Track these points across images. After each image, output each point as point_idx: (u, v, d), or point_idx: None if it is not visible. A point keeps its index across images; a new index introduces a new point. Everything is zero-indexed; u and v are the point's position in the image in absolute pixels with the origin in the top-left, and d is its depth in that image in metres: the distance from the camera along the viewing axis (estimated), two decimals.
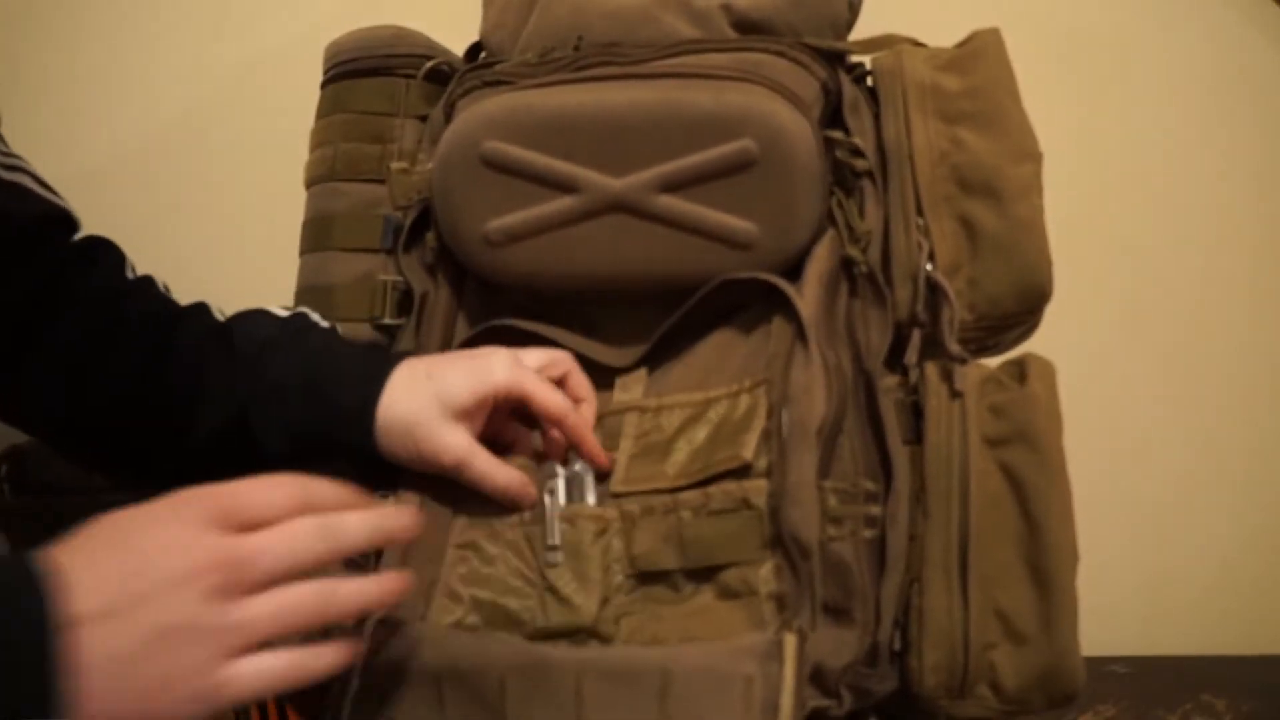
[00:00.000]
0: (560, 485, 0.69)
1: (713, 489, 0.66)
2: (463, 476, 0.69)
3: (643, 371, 0.75)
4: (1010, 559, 0.65)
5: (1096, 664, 1.02)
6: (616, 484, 0.69)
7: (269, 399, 0.71)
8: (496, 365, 0.69)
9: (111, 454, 0.76)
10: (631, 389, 0.75)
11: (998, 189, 0.70)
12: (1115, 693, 0.99)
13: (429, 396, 0.68)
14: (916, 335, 0.71)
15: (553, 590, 0.66)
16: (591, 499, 0.69)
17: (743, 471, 0.65)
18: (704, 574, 0.65)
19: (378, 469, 0.70)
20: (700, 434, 0.69)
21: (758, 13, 0.76)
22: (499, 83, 0.77)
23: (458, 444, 0.68)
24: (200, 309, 0.76)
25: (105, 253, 0.76)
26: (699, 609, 0.64)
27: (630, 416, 0.72)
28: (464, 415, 0.68)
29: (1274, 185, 1.10)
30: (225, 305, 0.78)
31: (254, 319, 0.75)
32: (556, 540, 0.67)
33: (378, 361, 0.71)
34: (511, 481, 0.69)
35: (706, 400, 0.70)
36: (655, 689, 0.57)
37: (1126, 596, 1.10)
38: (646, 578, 0.66)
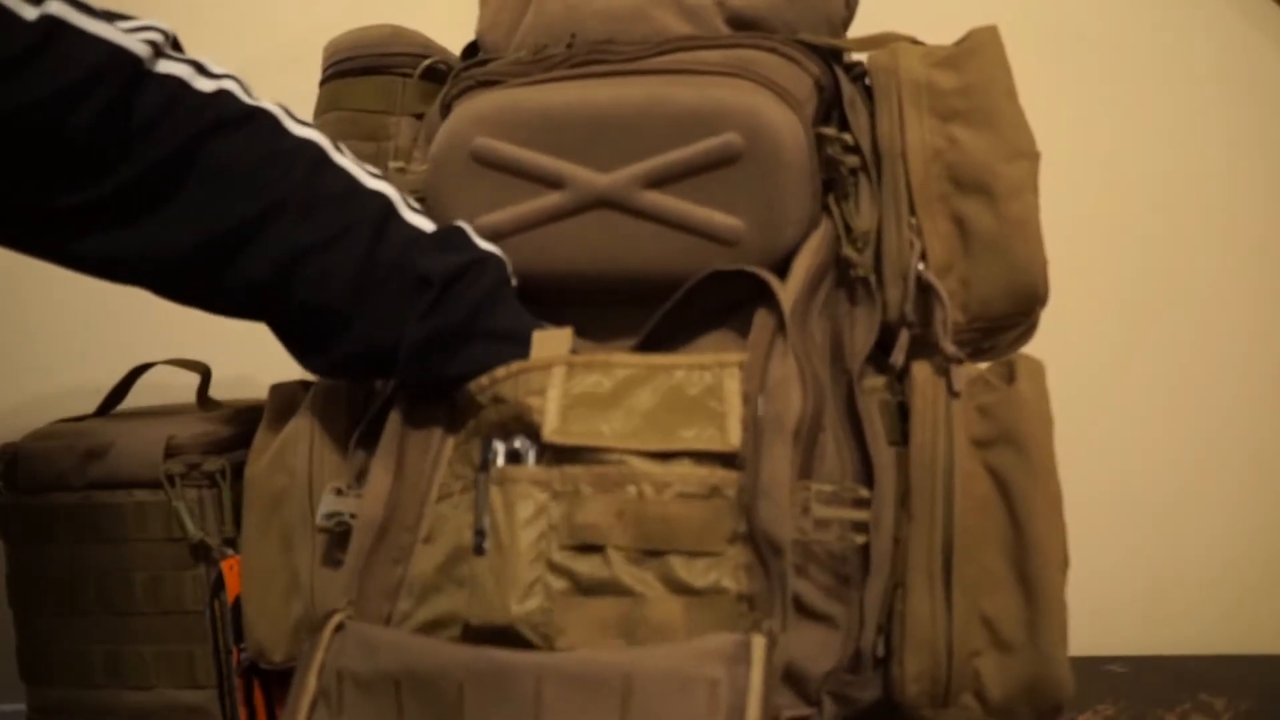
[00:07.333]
0: (500, 459, 0.66)
1: (679, 469, 0.63)
2: None
3: None
4: (996, 564, 0.64)
5: (1095, 663, 1.04)
6: (551, 433, 0.64)
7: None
8: None
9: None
10: None
11: (991, 187, 0.70)
12: (1114, 692, 0.99)
13: None
14: (904, 335, 0.70)
15: (475, 583, 0.64)
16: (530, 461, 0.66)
17: (725, 459, 0.63)
18: (653, 557, 0.62)
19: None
20: (646, 397, 0.66)
21: (752, 10, 0.75)
22: (492, 82, 0.77)
23: None
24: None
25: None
26: (656, 605, 0.62)
27: (557, 371, 0.67)
28: None
29: (1275, 185, 1.10)
30: None
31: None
32: (485, 525, 0.65)
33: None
34: None
35: (651, 365, 0.67)
36: (617, 693, 0.56)
37: (1125, 596, 1.10)
38: (585, 550, 0.63)
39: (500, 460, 0.66)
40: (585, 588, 0.63)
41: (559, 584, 0.63)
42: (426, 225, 0.72)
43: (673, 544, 0.62)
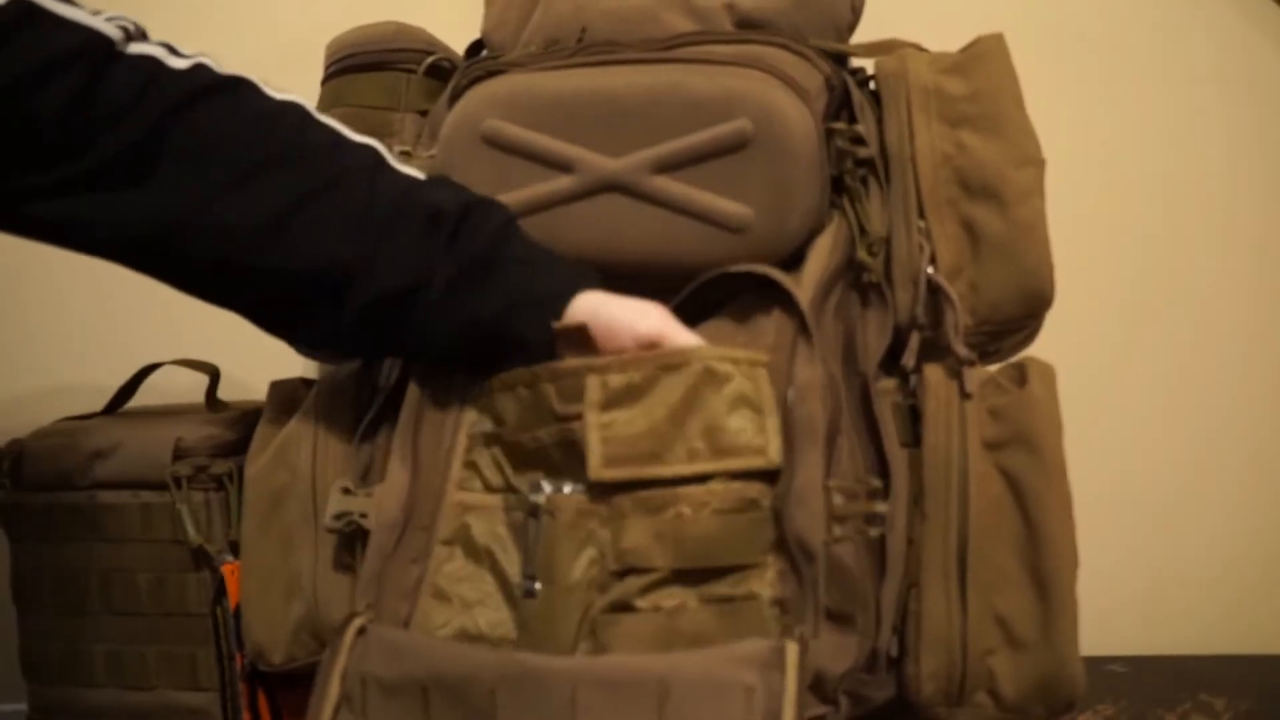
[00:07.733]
0: (544, 495, 0.65)
1: (718, 487, 0.62)
2: None
3: None
4: (1009, 563, 0.65)
5: (1095, 663, 1.02)
6: (597, 468, 0.63)
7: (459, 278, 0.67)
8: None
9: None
10: None
11: (999, 192, 0.70)
12: (1114, 692, 0.99)
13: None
14: (915, 338, 0.70)
15: (529, 623, 0.63)
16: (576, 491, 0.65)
17: (765, 475, 0.62)
18: (691, 576, 0.61)
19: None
20: (677, 396, 0.62)
21: (759, 13, 0.76)
22: (503, 72, 0.77)
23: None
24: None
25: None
26: (692, 616, 0.61)
27: (591, 380, 0.64)
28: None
29: (1275, 185, 1.10)
30: None
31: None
32: (534, 570, 0.64)
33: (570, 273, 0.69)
34: None
35: (685, 357, 0.63)
36: (653, 699, 0.56)
37: (1125, 596, 1.10)
38: (628, 573, 0.62)
39: (546, 492, 0.65)
40: (627, 608, 0.62)
41: (604, 604, 0.62)
42: (418, 174, 0.71)
43: (712, 560, 0.61)
